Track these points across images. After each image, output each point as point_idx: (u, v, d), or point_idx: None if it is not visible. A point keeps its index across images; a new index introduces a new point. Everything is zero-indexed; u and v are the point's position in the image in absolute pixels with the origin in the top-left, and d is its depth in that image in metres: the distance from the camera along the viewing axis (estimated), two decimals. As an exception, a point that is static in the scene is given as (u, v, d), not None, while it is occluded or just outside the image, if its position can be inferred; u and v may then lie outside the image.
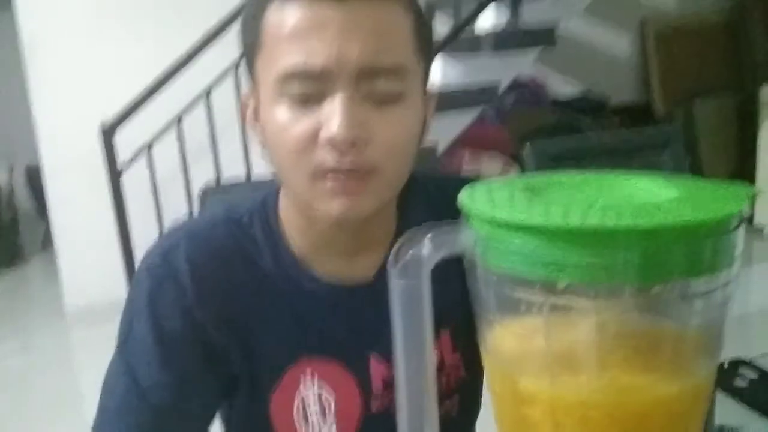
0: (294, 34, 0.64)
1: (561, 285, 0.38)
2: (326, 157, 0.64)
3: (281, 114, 0.66)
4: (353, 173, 0.65)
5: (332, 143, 0.63)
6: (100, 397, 0.74)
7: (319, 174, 0.66)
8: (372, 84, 0.65)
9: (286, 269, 0.76)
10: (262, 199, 0.79)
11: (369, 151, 0.65)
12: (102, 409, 0.74)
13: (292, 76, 0.64)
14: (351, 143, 0.63)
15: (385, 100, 0.66)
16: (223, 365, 0.75)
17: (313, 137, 0.65)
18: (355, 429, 0.78)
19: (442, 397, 0.80)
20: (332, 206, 0.66)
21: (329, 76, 0.63)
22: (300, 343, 0.75)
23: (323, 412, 0.76)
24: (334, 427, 0.77)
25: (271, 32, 0.66)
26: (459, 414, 0.83)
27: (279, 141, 0.67)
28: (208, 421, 0.78)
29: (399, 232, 0.77)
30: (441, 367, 0.80)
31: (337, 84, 0.64)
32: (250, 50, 0.69)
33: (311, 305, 0.75)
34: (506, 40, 2.77)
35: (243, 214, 0.77)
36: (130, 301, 0.75)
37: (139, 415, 0.72)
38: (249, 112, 0.73)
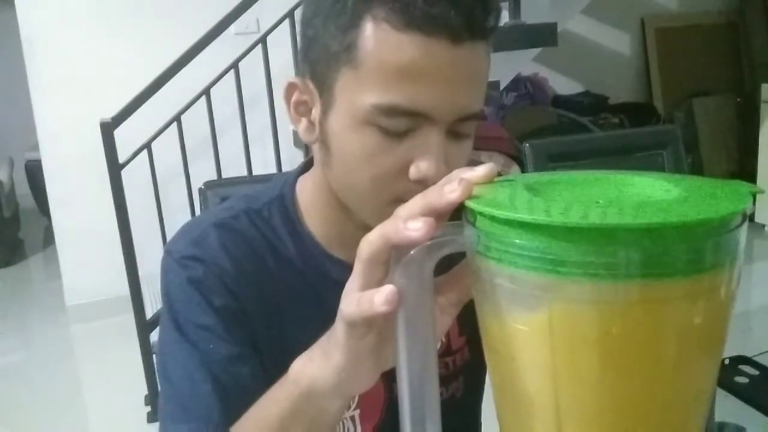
0: (403, 72, 0.63)
1: (562, 282, 0.38)
2: (412, 188, 0.66)
3: (369, 139, 0.66)
4: None
5: (425, 181, 0.65)
6: (171, 393, 0.72)
7: (398, 201, 0.67)
8: (458, 126, 0.67)
9: (309, 257, 0.78)
10: (279, 189, 0.80)
11: None
12: (179, 401, 0.72)
13: (391, 112, 0.64)
14: None
15: (461, 137, 0.69)
16: (257, 352, 0.75)
17: (401, 169, 0.67)
18: (380, 413, 0.79)
19: (449, 379, 0.82)
20: None
21: (428, 118, 0.65)
22: (327, 327, 0.76)
23: None
24: (358, 412, 0.78)
25: (374, 55, 0.64)
26: (464, 395, 0.84)
27: (362, 165, 0.68)
28: None
29: None
30: (448, 351, 0.81)
31: (433, 125, 0.65)
32: (334, 57, 0.66)
33: (336, 290, 0.76)
34: (506, 39, 2.76)
35: (262, 206, 0.79)
36: (171, 295, 0.75)
37: (228, 391, 0.70)
38: (294, 100, 0.73)
